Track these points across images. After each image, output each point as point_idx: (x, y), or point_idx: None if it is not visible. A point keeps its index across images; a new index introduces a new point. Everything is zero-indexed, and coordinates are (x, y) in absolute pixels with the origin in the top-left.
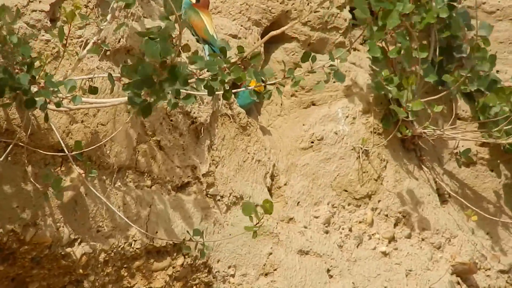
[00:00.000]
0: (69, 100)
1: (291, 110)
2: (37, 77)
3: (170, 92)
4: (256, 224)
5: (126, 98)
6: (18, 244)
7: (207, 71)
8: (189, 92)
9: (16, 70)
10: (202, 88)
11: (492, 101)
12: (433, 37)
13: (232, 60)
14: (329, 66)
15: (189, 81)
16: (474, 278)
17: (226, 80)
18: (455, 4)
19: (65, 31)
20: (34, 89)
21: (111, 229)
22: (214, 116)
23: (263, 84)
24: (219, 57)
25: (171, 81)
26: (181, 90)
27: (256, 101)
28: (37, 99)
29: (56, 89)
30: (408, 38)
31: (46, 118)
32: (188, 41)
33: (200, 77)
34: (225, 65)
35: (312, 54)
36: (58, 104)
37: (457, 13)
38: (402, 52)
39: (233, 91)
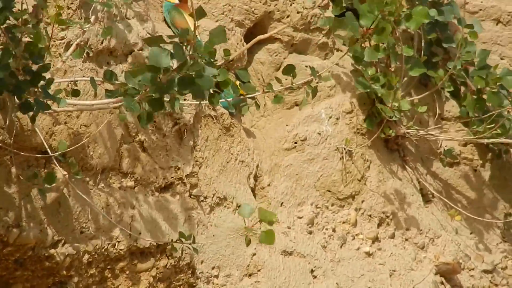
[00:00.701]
0: (53, 102)
1: (274, 111)
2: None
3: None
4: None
5: (108, 100)
6: (1, 245)
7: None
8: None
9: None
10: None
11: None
12: (418, 33)
13: (218, 63)
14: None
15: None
16: (458, 278)
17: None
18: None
19: (48, 32)
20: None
21: (95, 230)
22: (198, 117)
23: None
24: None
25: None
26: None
27: (232, 112)
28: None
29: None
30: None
31: (33, 120)
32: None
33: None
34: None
35: (294, 68)
36: (48, 107)
37: (446, 5)
38: (387, 51)
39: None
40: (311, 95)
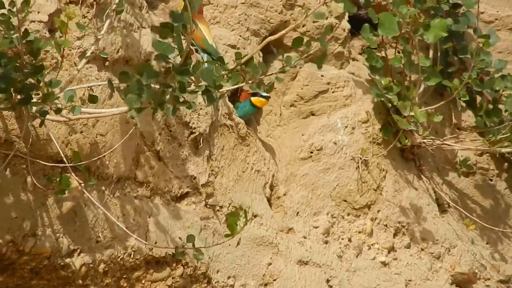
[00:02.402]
0: (68, 110)
1: (290, 120)
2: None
3: (168, 98)
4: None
5: (125, 108)
6: (17, 254)
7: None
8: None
9: (25, 70)
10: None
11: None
12: (434, 43)
13: (231, 67)
14: None
15: (187, 88)
16: None
17: (223, 86)
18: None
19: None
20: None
21: (110, 239)
22: (213, 126)
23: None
24: (217, 65)
25: (180, 76)
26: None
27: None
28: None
29: (58, 96)
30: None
31: (41, 124)
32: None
33: (199, 84)
34: (223, 72)
35: (303, 40)
36: (59, 110)
37: (462, 14)
38: (402, 60)
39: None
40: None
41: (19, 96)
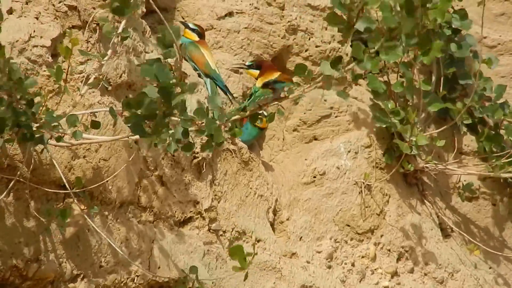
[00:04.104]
0: (71, 135)
1: (293, 145)
2: (38, 112)
3: (171, 138)
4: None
5: (128, 133)
6: (20, 279)
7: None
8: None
9: (19, 106)
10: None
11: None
12: (436, 68)
13: (233, 118)
14: None
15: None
16: None
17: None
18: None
19: (65, 66)
20: (35, 124)
21: (114, 264)
22: (216, 151)
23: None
24: (219, 113)
25: (174, 113)
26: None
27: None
28: (37, 134)
29: (56, 124)
30: (410, 70)
31: (42, 151)
32: (189, 76)
33: (201, 128)
34: (224, 122)
35: (306, 68)
36: (59, 139)
37: (463, 39)
38: (404, 84)
39: None
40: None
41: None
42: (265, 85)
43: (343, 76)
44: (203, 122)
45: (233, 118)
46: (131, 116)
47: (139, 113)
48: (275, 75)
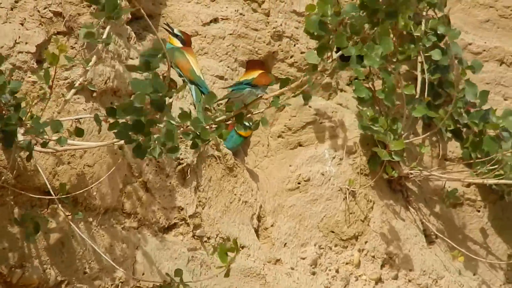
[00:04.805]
0: (55, 141)
1: (277, 151)
2: (23, 118)
3: (156, 141)
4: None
5: (113, 140)
6: (4, 286)
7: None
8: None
9: (3, 111)
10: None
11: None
12: (421, 74)
13: (219, 119)
14: None
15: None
16: None
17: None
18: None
19: (51, 72)
20: (20, 130)
21: (98, 270)
22: (201, 157)
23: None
24: (206, 113)
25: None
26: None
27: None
28: (22, 138)
29: (42, 130)
30: (391, 76)
31: (29, 158)
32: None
33: (187, 130)
34: (210, 123)
35: (289, 80)
36: (44, 144)
37: (447, 46)
38: (386, 90)
39: None
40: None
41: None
42: (233, 85)
43: (328, 82)
44: (188, 125)
45: (219, 119)
46: (116, 123)
47: (125, 120)
48: (252, 75)
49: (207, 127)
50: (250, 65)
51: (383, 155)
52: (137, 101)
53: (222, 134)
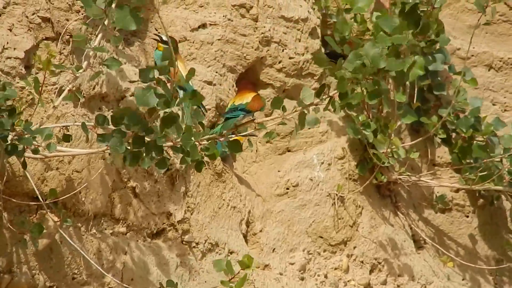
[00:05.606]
0: (44, 147)
1: (266, 157)
2: (14, 123)
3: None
4: (232, 278)
5: (101, 147)
6: None
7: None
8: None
9: None
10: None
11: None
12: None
13: (207, 136)
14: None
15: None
16: None
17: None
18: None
19: (39, 78)
20: (10, 136)
21: (87, 276)
22: None
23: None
24: (195, 129)
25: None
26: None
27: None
28: (13, 146)
29: (34, 136)
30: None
31: (24, 166)
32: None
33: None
34: (200, 139)
35: (283, 102)
36: (36, 151)
37: (437, 51)
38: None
39: None
40: (300, 124)
41: None
42: (228, 111)
43: (316, 88)
44: (178, 139)
45: (208, 136)
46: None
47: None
48: (246, 99)
49: (197, 143)
50: (242, 85)
51: (382, 158)
52: (148, 115)
53: (215, 155)
